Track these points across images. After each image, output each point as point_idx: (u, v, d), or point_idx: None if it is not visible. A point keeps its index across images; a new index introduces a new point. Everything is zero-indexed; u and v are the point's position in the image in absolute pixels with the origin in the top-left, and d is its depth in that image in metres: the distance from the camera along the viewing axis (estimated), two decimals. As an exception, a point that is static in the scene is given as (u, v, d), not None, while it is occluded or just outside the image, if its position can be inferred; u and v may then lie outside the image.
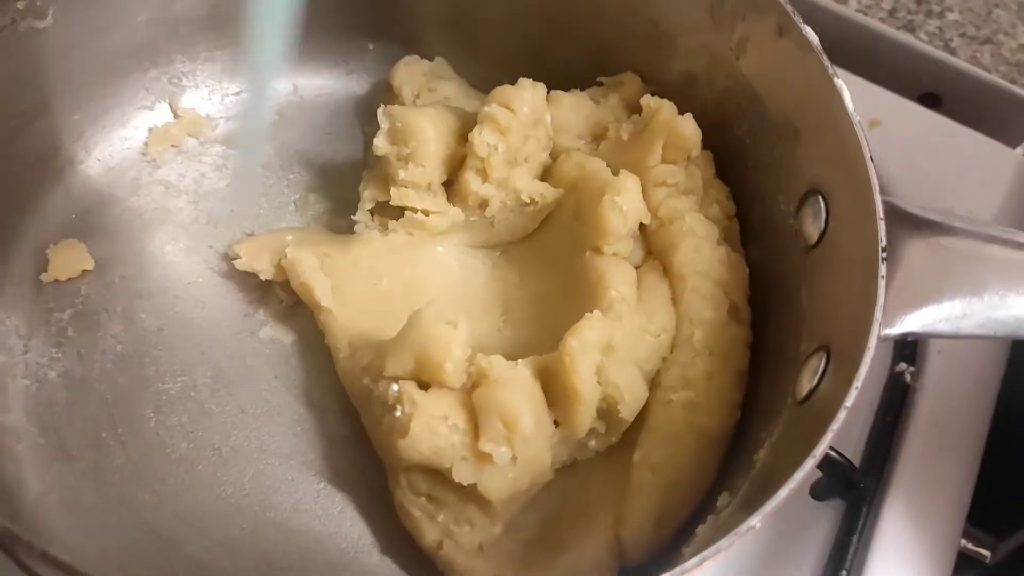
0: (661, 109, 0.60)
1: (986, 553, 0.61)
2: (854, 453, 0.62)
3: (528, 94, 0.60)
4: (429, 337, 0.53)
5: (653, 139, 0.60)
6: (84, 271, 0.62)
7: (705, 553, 0.42)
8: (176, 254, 0.64)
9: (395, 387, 0.53)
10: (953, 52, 0.82)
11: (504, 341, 0.60)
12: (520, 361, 0.53)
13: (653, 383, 0.56)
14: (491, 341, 0.60)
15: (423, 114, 0.61)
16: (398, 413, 0.52)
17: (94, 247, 0.63)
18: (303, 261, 0.60)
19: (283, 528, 0.56)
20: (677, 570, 0.42)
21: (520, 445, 0.51)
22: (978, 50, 0.83)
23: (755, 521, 0.43)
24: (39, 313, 0.60)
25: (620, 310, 0.56)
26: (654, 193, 0.60)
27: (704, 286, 0.57)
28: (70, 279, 0.62)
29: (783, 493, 0.43)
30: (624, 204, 0.57)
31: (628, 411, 0.54)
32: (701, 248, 0.58)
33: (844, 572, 0.58)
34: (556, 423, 0.54)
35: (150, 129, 0.67)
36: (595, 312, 0.54)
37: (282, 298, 0.63)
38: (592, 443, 0.55)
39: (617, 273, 0.57)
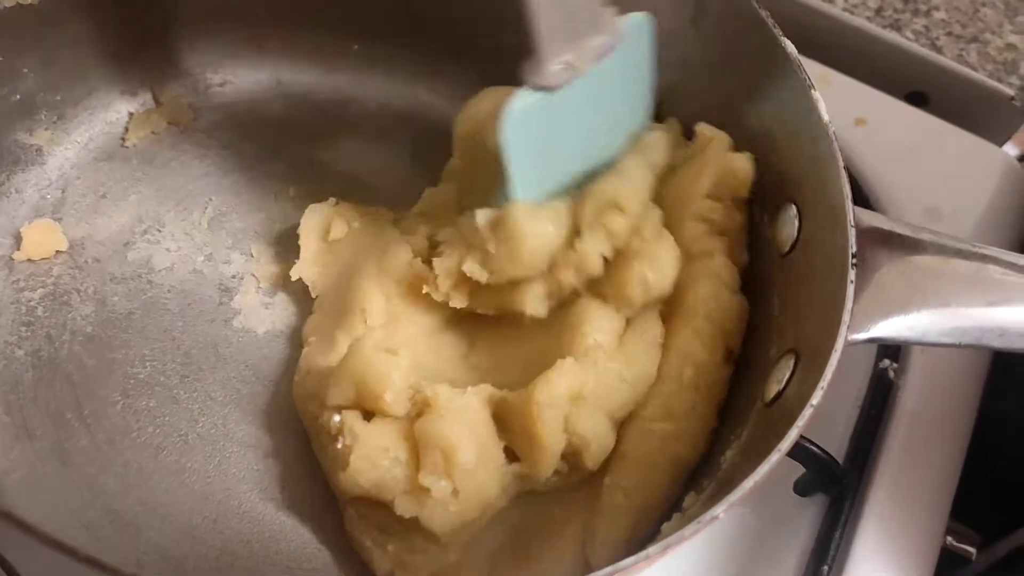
0: (715, 139, 0.56)
1: (971, 550, 0.59)
2: (838, 449, 0.61)
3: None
4: (369, 366, 0.51)
5: (704, 170, 0.56)
6: (57, 252, 0.61)
7: (669, 540, 0.42)
8: (152, 240, 0.63)
9: (337, 417, 0.52)
10: (940, 51, 0.81)
11: (469, 370, 0.58)
12: (470, 389, 0.52)
13: (631, 412, 0.54)
14: (454, 369, 0.58)
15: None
16: (339, 444, 0.51)
17: (68, 229, 0.62)
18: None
19: (247, 517, 0.55)
20: (640, 554, 0.41)
21: (461, 478, 0.49)
22: (964, 48, 0.82)
23: (719, 511, 0.42)
24: (9, 292, 0.59)
25: (596, 357, 0.53)
26: (691, 227, 0.56)
27: (707, 329, 0.54)
28: (43, 259, 0.61)
29: (749, 484, 0.43)
30: (652, 277, 0.54)
31: (593, 461, 0.52)
32: (720, 294, 0.55)
33: (826, 567, 0.57)
34: (513, 453, 0.52)
35: (131, 114, 0.67)
36: (568, 359, 0.52)
37: (260, 283, 0.62)
38: (553, 479, 0.53)
39: (600, 320, 0.54)
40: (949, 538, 0.59)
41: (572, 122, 0.54)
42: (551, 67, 0.50)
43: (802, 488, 0.61)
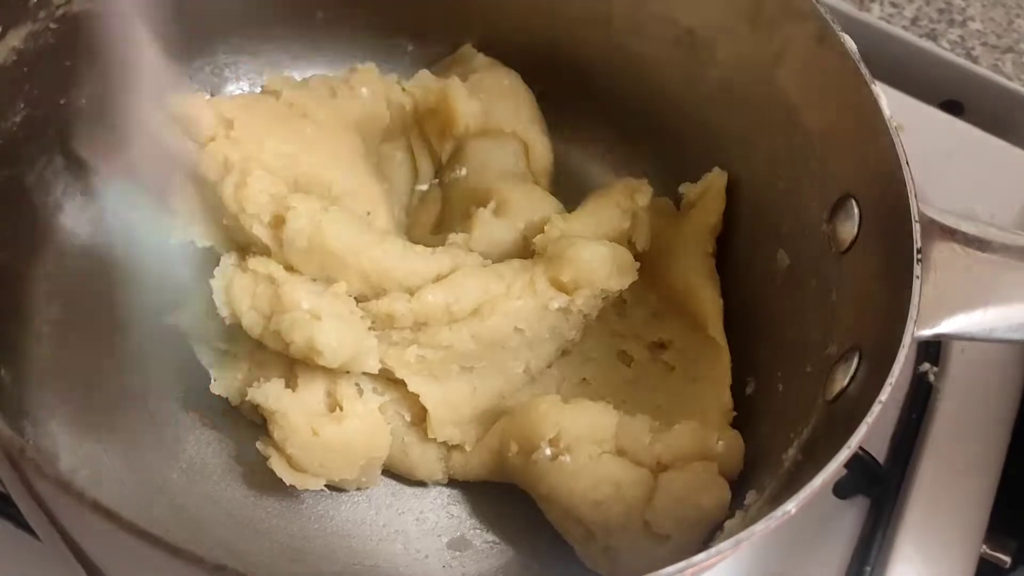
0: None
1: (1006, 559, 0.58)
2: (878, 451, 0.60)
3: None
4: None
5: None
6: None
7: (740, 536, 0.40)
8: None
9: None
10: (975, 60, 0.80)
11: None
12: None
13: None
14: None
15: None
16: None
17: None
18: None
19: (308, 514, 0.54)
20: (712, 550, 0.40)
21: None
22: (1000, 58, 0.81)
23: (791, 507, 0.41)
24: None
25: None
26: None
27: None
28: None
29: (818, 481, 0.41)
30: None
31: None
32: None
33: (868, 569, 0.56)
34: None
35: (189, 117, 0.65)
36: None
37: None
38: None
39: None
40: (984, 546, 0.58)
41: None
42: None
43: (842, 491, 0.60)
